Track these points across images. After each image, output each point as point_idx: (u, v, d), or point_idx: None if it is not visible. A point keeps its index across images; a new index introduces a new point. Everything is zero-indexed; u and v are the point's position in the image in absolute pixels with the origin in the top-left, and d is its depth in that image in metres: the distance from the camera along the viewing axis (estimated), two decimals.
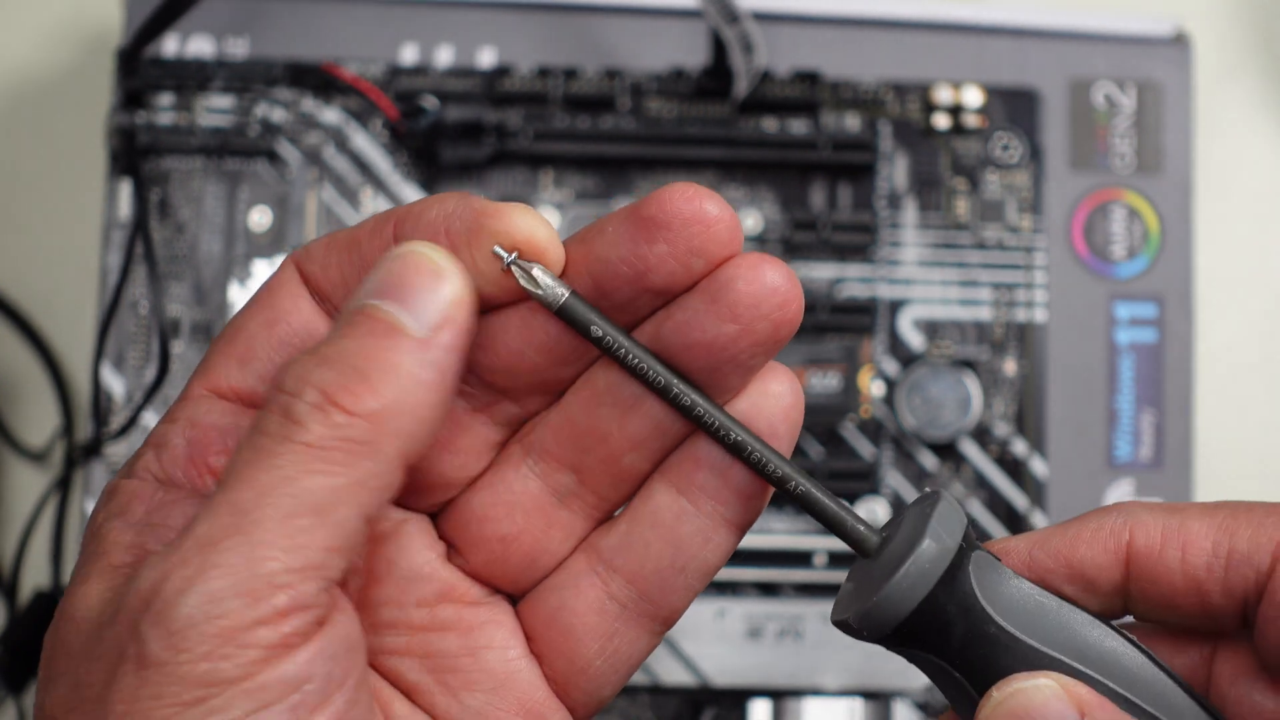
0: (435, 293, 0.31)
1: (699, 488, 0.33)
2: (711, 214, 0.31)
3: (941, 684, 0.33)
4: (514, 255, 0.31)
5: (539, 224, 0.31)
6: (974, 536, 0.33)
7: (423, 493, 0.34)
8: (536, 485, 0.34)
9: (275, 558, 0.29)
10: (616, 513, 0.34)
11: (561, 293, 0.31)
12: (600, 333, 0.32)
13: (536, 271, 0.31)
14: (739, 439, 0.32)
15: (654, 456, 0.34)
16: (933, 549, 0.32)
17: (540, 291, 0.31)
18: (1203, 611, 0.33)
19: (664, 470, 0.34)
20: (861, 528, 0.33)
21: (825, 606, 0.54)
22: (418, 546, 0.34)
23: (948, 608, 0.32)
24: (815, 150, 0.56)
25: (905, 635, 0.32)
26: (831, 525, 0.33)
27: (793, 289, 0.31)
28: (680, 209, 0.31)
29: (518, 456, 0.34)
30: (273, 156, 0.56)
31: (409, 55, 0.57)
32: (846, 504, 0.33)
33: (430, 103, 0.56)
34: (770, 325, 0.31)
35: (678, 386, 0.32)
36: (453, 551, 0.34)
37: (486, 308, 0.32)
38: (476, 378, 0.33)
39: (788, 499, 0.33)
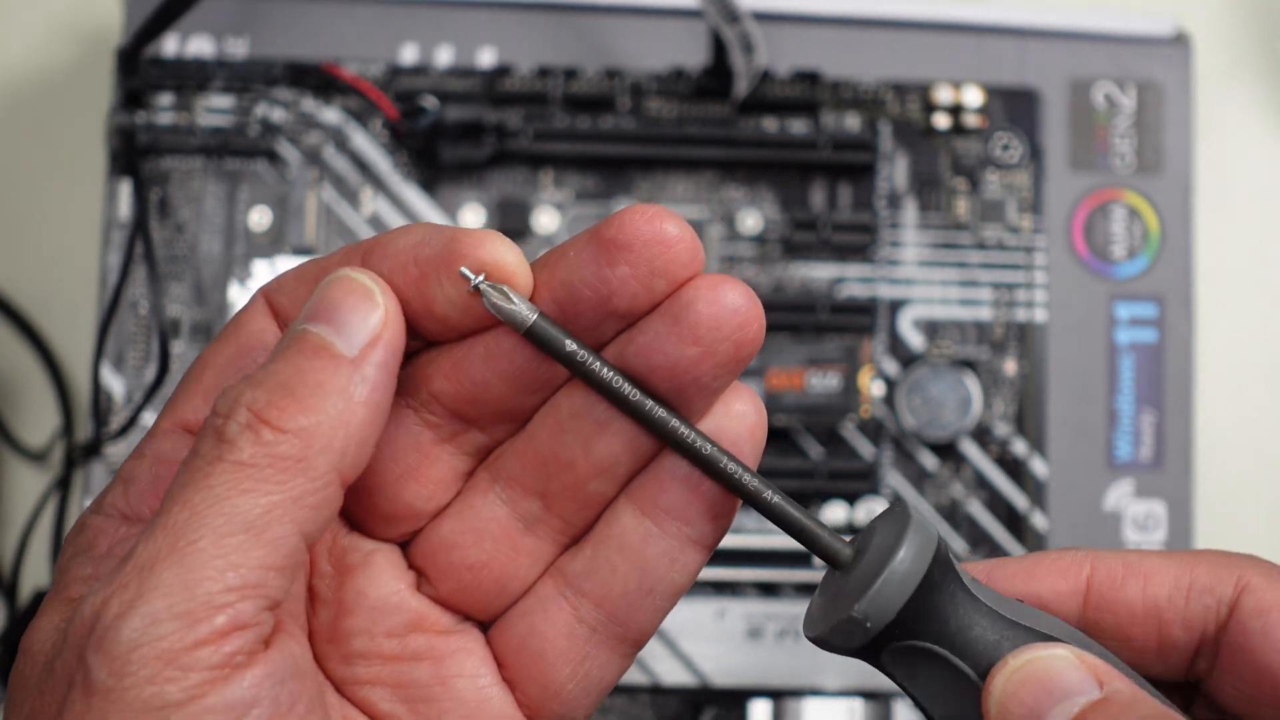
0: (363, 313, 0.31)
1: (664, 509, 0.33)
2: (672, 234, 0.31)
3: (924, 683, 0.33)
4: (481, 277, 0.31)
5: (507, 249, 0.32)
6: (947, 546, 0.33)
7: (391, 522, 0.34)
8: (504, 512, 0.34)
9: (212, 578, 0.29)
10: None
11: (529, 314, 0.31)
12: (571, 351, 0.32)
13: (504, 292, 0.31)
14: (711, 453, 0.32)
15: (619, 481, 0.34)
16: (914, 549, 0.32)
17: (510, 309, 0.31)
18: (1159, 645, 0.34)
19: (629, 493, 0.34)
20: (834, 541, 0.33)
21: None
22: (387, 577, 0.34)
23: (938, 598, 0.32)
24: (815, 150, 0.56)
25: (899, 628, 0.32)
26: (804, 538, 0.33)
27: (753, 309, 0.31)
28: (641, 230, 0.31)
29: (485, 484, 0.34)
30: (273, 156, 0.56)
31: (409, 55, 0.57)
32: (817, 517, 0.33)
33: (430, 103, 0.56)
34: (732, 346, 0.31)
35: (648, 404, 0.32)
36: (423, 580, 0.34)
37: (453, 336, 0.33)
38: (442, 408, 0.33)
39: (760, 512, 0.33)
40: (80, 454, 0.55)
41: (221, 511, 0.29)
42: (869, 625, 0.32)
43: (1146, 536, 0.55)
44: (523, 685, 0.34)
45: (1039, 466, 0.56)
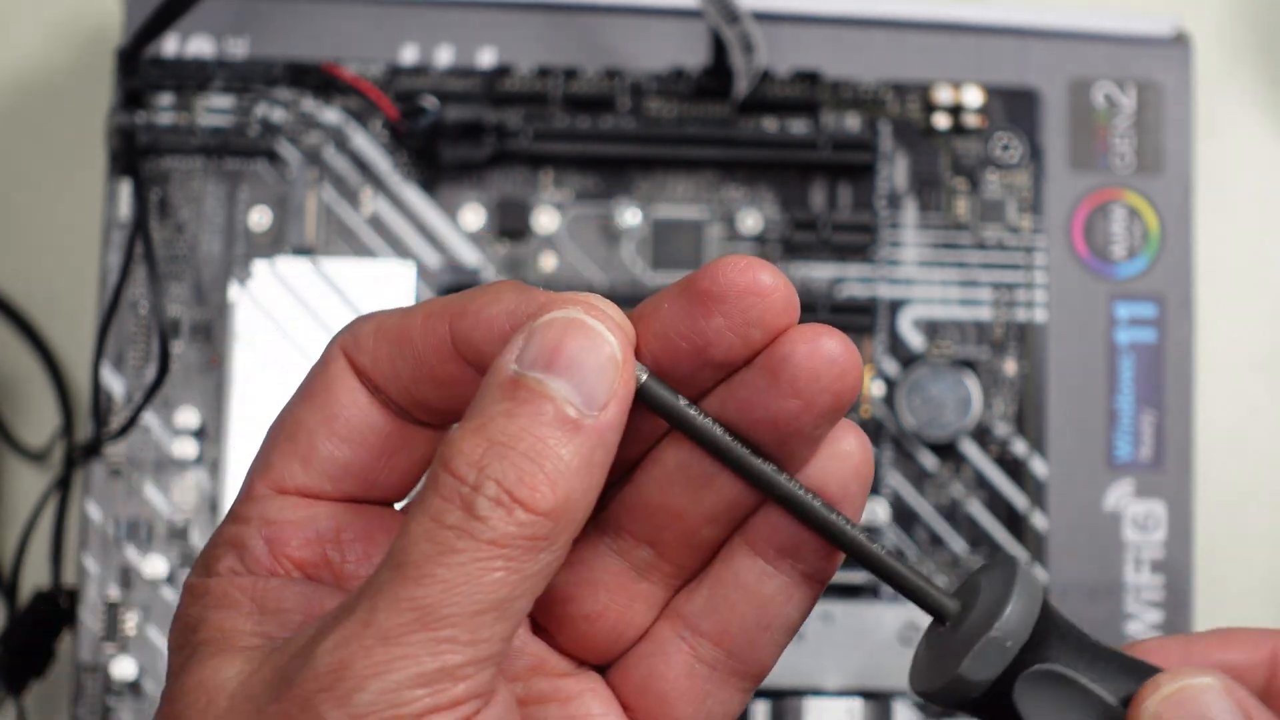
0: (602, 370, 0.30)
1: (777, 549, 0.33)
2: (767, 284, 0.31)
3: (1053, 713, 0.33)
4: None
5: (608, 305, 0.31)
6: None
7: None
8: (615, 562, 0.34)
9: (458, 652, 0.29)
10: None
11: (640, 374, 0.31)
12: (682, 410, 0.32)
13: None
14: (817, 511, 0.33)
15: (729, 526, 0.34)
16: (1025, 586, 0.33)
17: None
18: None
19: (743, 534, 0.34)
20: (941, 595, 0.34)
21: (825, 606, 0.54)
22: None
23: (1058, 630, 0.33)
24: (815, 150, 0.56)
25: (1030, 653, 0.33)
26: (910, 593, 0.34)
27: (851, 358, 0.31)
28: (735, 281, 0.31)
29: (594, 535, 0.34)
30: (273, 156, 0.56)
31: (409, 55, 0.57)
32: (921, 571, 0.34)
33: (430, 103, 0.56)
34: (831, 397, 0.31)
35: (756, 462, 0.32)
36: (539, 630, 0.35)
37: None
38: None
39: (864, 566, 0.33)
40: (80, 454, 0.55)
41: (472, 590, 0.29)
42: (1009, 645, 0.32)
43: (1146, 536, 0.55)
44: None
45: (1039, 466, 0.56)
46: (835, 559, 0.34)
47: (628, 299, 0.35)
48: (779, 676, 0.54)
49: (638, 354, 0.32)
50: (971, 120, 0.57)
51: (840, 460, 0.33)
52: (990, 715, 0.34)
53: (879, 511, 0.55)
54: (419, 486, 0.31)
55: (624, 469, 0.34)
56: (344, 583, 0.33)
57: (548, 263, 0.56)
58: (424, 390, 0.33)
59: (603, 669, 0.35)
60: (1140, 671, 0.33)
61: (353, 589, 0.33)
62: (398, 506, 0.35)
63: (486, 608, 0.29)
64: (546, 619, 0.35)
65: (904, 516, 0.55)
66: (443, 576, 0.29)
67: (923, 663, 0.34)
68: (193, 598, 0.33)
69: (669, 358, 0.32)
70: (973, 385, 0.56)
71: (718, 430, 0.32)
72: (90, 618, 0.54)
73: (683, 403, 0.32)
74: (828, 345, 0.31)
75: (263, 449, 0.34)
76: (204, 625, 0.32)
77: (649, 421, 0.33)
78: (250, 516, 0.33)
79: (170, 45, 0.56)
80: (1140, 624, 0.55)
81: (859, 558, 0.33)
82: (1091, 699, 0.33)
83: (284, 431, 0.34)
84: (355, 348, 0.33)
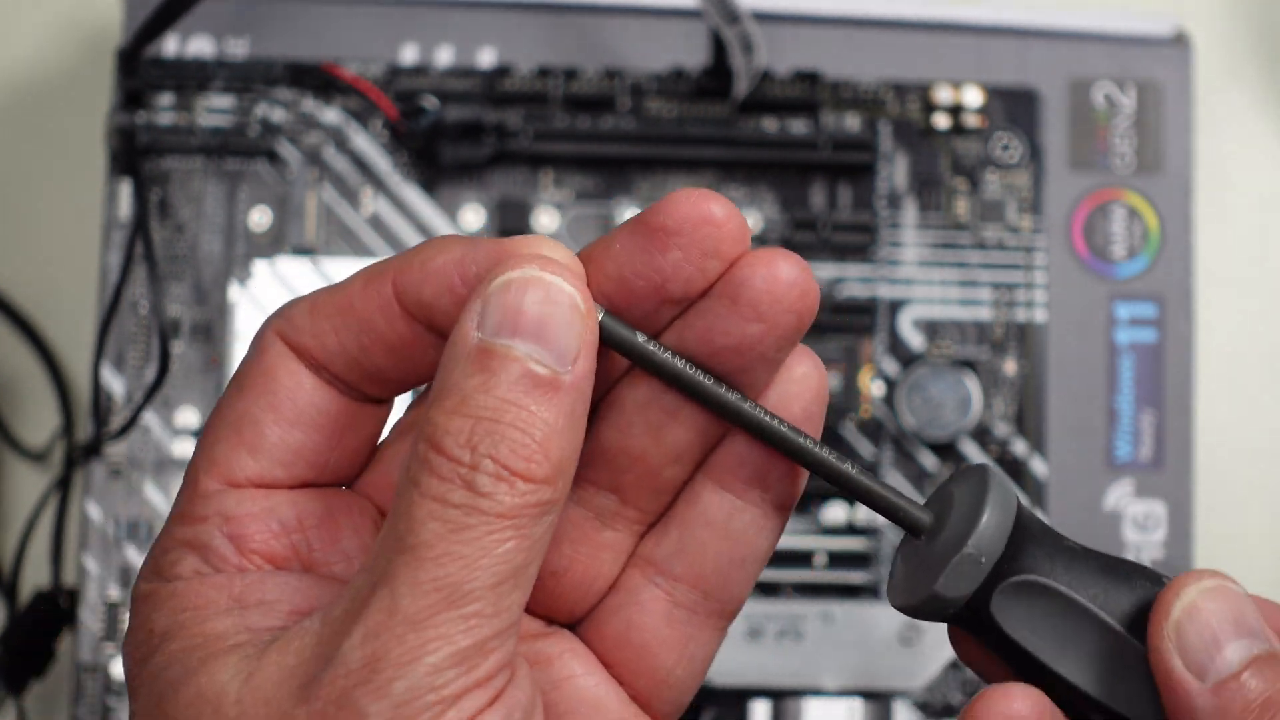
0: (568, 324, 0.30)
1: (744, 481, 0.33)
2: (720, 215, 0.31)
3: (1037, 629, 0.32)
4: None
5: (557, 249, 0.31)
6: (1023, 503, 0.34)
7: None
8: (577, 512, 0.34)
9: (486, 624, 0.29)
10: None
11: (597, 314, 0.31)
12: (641, 344, 0.32)
13: None
14: (785, 433, 0.32)
15: (693, 463, 0.34)
16: (1000, 493, 0.32)
17: None
18: None
19: (706, 471, 0.34)
20: (913, 508, 0.33)
21: (825, 606, 0.54)
22: None
23: (1035, 538, 0.32)
24: (815, 150, 0.56)
25: (1008, 564, 0.32)
26: (881, 507, 0.33)
27: (808, 278, 0.31)
28: (689, 213, 0.31)
29: None
30: (273, 156, 0.56)
31: (409, 55, 0.57)
32: (892, 487, 0.33)
33: (430, 103, 0.56)
34: (794, 316, 0.31)
35: (719, 393, 0.32)
36: None
37: None
38: None
39: (835, 485, 0.33)
40: (80, 454, 0.55)
41: (490, 563, 0.29)
42: (984, 561, 0.32)
43: (1146, 537, 0.55)
44: (631, 680, 0.34)
45: (1039, 466, 0.56)
46: (800, 482, 0.34)
47: None
48: (779, 676, 0.54)
49: (592, 296, 0.32)
50: (971, 120, 0.57)
51: (799, 384, 0.33)
52: (970, 627, 0.33)
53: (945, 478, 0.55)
54: (404, 468, 0.31)
55: None
56: (315, 569, 0.33)
57: None
58: (375, 359, 0.32)
59: (574, 627, 0.35)
60: (1122, 568, 0.33)
61: (327, 574, 0.33)
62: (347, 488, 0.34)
63: (505, 577, 0.29)
64: None
65: None
66: (460, 553, 0.29)
67: (899, 577, 0.34)
68: (153, 605, 0.32)
69: (624, 297, 0.32)
70: (973, 385, 0.56)
71: (680, 363, 0.32)
72: (90, 618, 0.54)
73: (641, 339, 0.32)
74: (785, 267, 0.31)
75: (203, 444, 0.33)
76: (179, 632, 0.31)
77: (605, 363, 0.32)
78: (206, 515, 0.32)
79: (170, 45, 0.56)
80: None
81: (829, 476, 0.33)
82: (1074, 606, 0.32)
83: (226, 424, 0.33)
84: (292, 329, 0.33)
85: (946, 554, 0.32)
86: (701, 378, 0.32)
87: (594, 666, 0.34)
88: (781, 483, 0.34)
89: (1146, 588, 0.32)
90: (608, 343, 0.31)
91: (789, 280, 0.31)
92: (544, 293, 0.30)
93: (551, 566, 0.34)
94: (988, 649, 0.34)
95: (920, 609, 0.33)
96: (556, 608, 0.34)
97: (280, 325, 0.33)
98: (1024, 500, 0.33)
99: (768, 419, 0.32)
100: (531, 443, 0.30)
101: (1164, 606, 0.32)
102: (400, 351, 0.32)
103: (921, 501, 0.34)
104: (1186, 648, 0.31)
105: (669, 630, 0.34)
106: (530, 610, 0.34)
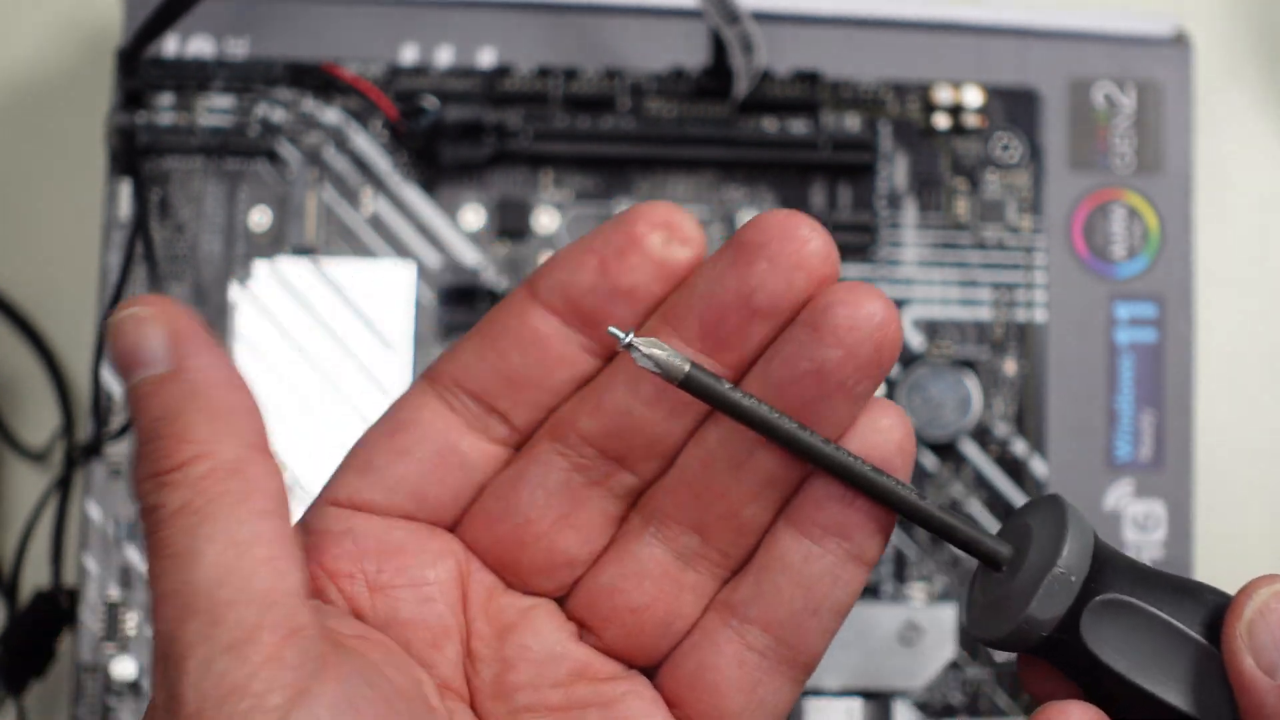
0: (149, 333, 0.32)
1: (822, 528, 0.34)
2: (805, 231, 0.33)
3: (1121, 646, 0.33)
4: (630, 334, 0.32)
5: (674, 210, 0.33)
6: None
7: (548, 574, 0.35)
8: (661, 551, 0.34)
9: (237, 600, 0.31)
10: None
11: (683, 364, 0.32)
12: (727, 393, 0.33)
13: (654, 350, 0.32)
14: (863, 471, 0.33)
15: (773, 506, 0.34)
16: (1078, 520, 0.34)
17: (665, 359, 0.32)
18: None
19: (786, 516, 0.34)
20: (993, 542, 0.34)
21: None
22: (549, 628, 0.35)
23: (1108, 567, 0.33)
24: (815, 150, 0.56)
25: (1094, 582, 0.33)
26: (965, 546, 0.34)
27: (890, 312, 0.33)
28: (777, 228, 0.33)
29: (639, 526, 0.34)
30: (273, 156, 0.56)
31: (409, 55, 0.57)
32: (973, 521, 0.34)
33: (430, 103, 0.56)
34: (872, 346, 0.32)
35: (801, 433, 0.33)
36: (584, 631, 0.35)
37: (644, 306, 0.34)
38: (591, 449, 0.34)
39: (916, 523, 0.34)
40: (80, 454, 0.55)
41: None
42: (1073, 579, 0.33)
43: (1146, 536, 0.55)
44: None
45: (1039, 466, 0.56)
46: (881, 537, 0.34)
47: None
48: None
49: (680, 316, 0.33)
50: (971, 120, 0.57)
51: (881, 434, 0.34)
52: (1055, 653, 0.34)
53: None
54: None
55: (668, 454, 0.34)
56: (380, 592, 0.34)
57: None
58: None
59: (652, 672, 0.35)
60: (1198, 590, 0.33)
61: (390, 598, 0.34)
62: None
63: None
64: (592, 616, 0.34)
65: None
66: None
67: (982, 611, 0.34)
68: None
69: (715, 313, 0.33)
70: (973, 385, 0.56)
71: (764, 408, 0.33)
72: (90, 618, 0.54)
73: (726, 387, 0.33)
74: (868, 298, 0.33)
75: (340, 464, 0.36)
76: None
77: (688, 407, 0.33)
78: (304, 524, 0.35)
79: (170, 45, 0.56)
80: None
81: (910, 514, 0.34)
82: (1156, 622, 0.33)
83: (356, 449, 0.36)
84: (547, 289, 0.35)
85: (1034, 578, 0.33)
86: (785, 420, 0.33)
87: (658, 709, 0.34)
88: (861, 533, 0.34)
89: (1218, 599, 0.33)
90: (694, 392, 0.33)
91: (869, 311, 0.32)
92: (124, 326, 0.33)
93: (634, 603, 0.34)
94: (1066, 676, 0.34)
95: (1011, 636, 0.34)
96: (636, 645, 0.35)
97: (433, 375, 0.35)
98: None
99: (848, 458, 0.33)
100: (174, 436, 0.31)
101: (1237, 609, 0.33)
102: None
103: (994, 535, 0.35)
104: (1258, 647, 0.32)
105: (739, 673, 0.34)
106: (610, 649, 0.35)
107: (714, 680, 0.34)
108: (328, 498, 0.35)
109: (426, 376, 0.35)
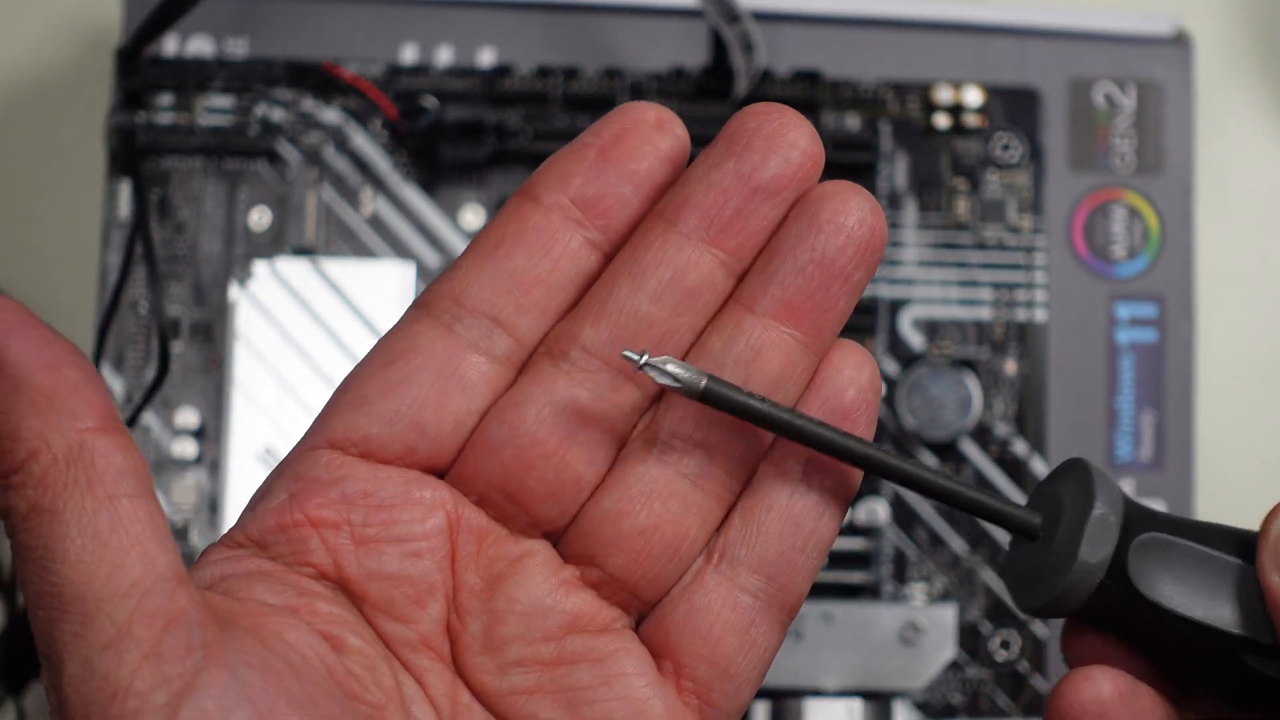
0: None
1: (804, 466, 0.34)
2: (791, 117, 0.34)
3: (1170, 583, 0.34)
4: (645, 355, 0.33)
5: (655, 109, 0.34)
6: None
7: (554, 497, 0.34)
8: (667, 472, 0.34)
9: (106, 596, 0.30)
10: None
11: (700, 379, 0.33)
12: (746, 401, 0.33)
13: (670, 366, 0.33)
14: (898, 466, 0.34)
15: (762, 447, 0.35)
16: (1104, 479, 0.34)
17: (683, 375, 0.33)
18: None
19: (769, 458, 0.34)
20: (1025, 513, 0.35)
21: (826, 606, 0.54)
22: (539, 579, 0.34)
23: (1141, 513, 0.34)
24: None
25: (1129, 529, 0.34)
26: (994, 517, 0.35)
27: (877, 204, 0.34)
28: (764, 113, 0.34)
29: (642, 449, 0.34)
30: (273, 156, 0.56)
31: (409, 55, 0.57)
32: (999, 494, 0.35)
33: (430, 103, 0.56)
34: (868, 232, 0.33)
35: (824, 431, 0.34)
36: (586, 567, 0.34)
37: (651, 190, 0.35)
38: (592, 358, 0.34)
39: (943, 501, 0.35)
40: None
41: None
42: (1113, 519, 0.34)
43: None
44: (691, 668, 0.34)
45: (1039, 466, 0.56)
46: (857, 477, 0.35)
47: None
48: (779, 676, 0.54)
49: (687, 213, 0.34)
50: (971, 120, 0.57)
51: (852, 371, 0.35)
52: (1108, 607, 0.34)
53: (879, 512, 0.55)
54: None
55: (676, 355, 0.34)
56: (366, 545, 0.34)
57: None
58: None
59: (641, 622, 0.35)
60: (1226, 529, 0.35)
61: (374, 551, 0.34)
62: None
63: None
64: (596, 545, 0.34)
65: (904, 517, 0.55)
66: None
67: (1025, 582, 0.35)
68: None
69: (717, 198, 0.34)
70: (973, 385, 0.56)
71: (787, 413, 0.33)
72: None
73: (746, 395, 0.33)
74: (854, 194, 0.34)
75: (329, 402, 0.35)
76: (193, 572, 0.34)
77: (691, 302, 0.34)
78: (284, 470, 0.34)
79: (170, 45, 0.56)
80: None
81: (943, 496, 0.34)
82: (1198, 554, 0.34)
83: (347, 383, 0.35)
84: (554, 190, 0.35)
85: (1076, 528, 0.34)
86: (808, 421, 0.34)
87: (646, 667, 0.34)
88: (842, 470, 0.35)
89: (1247, 533, 0.35)
90: (712, 402, 0.33)
91: (858, 202, 0.34)
92: None
93: (640, 524, 0.34)
94: (1113, 637, 0.35)
95: (1066, 592, 0.34)
96: (642, 575, 0.34)
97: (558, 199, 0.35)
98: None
99: (875, 450, 0.34)
100: (8, 438, 0.30)
101: (1266, 530, 0.34)
102: None
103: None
104: None
105: (732, 615, 0.34)
106: (613, 580, 0.34)
107: (707, 624, 0.34)
108: (320, 439, 0.33)
109: (419, 304, 0.34)
